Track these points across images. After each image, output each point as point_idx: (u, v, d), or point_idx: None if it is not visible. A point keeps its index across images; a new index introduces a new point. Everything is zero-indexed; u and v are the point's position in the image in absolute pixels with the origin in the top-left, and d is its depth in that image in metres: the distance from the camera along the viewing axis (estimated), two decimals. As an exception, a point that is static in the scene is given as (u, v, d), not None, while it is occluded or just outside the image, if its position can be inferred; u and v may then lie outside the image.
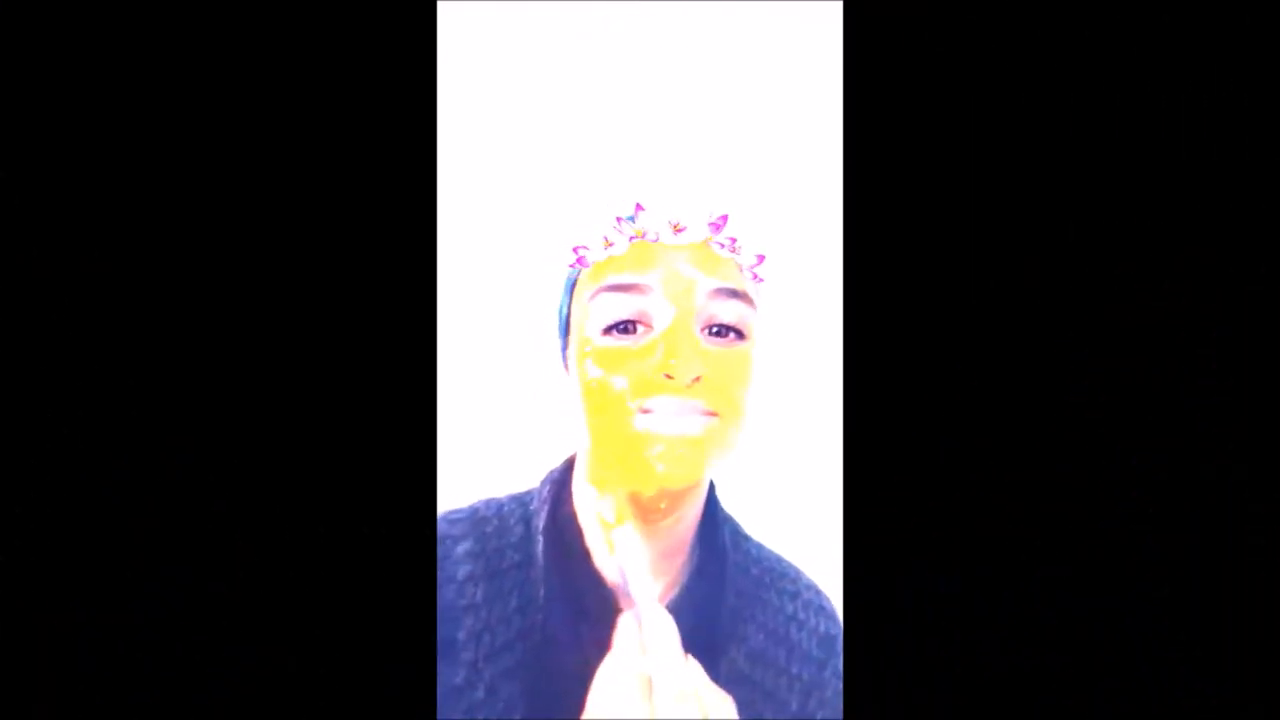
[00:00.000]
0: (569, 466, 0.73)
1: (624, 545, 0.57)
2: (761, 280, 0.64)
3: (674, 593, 0.66)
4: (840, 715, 0.60)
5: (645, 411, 0.59)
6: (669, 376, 0.58)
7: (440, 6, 0.55)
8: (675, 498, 0.61)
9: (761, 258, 0.64)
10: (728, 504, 0.73)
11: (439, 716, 0.62)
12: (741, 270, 0.63)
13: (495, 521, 0.71)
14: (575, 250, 0.65)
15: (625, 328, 0.61)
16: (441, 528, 0.72)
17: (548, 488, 0.71)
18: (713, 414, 0.59)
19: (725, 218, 0.63)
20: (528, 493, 0.74)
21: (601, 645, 0.64)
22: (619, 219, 0.63)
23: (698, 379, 0.58)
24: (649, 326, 0.61)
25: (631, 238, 0.62)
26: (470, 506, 0.74)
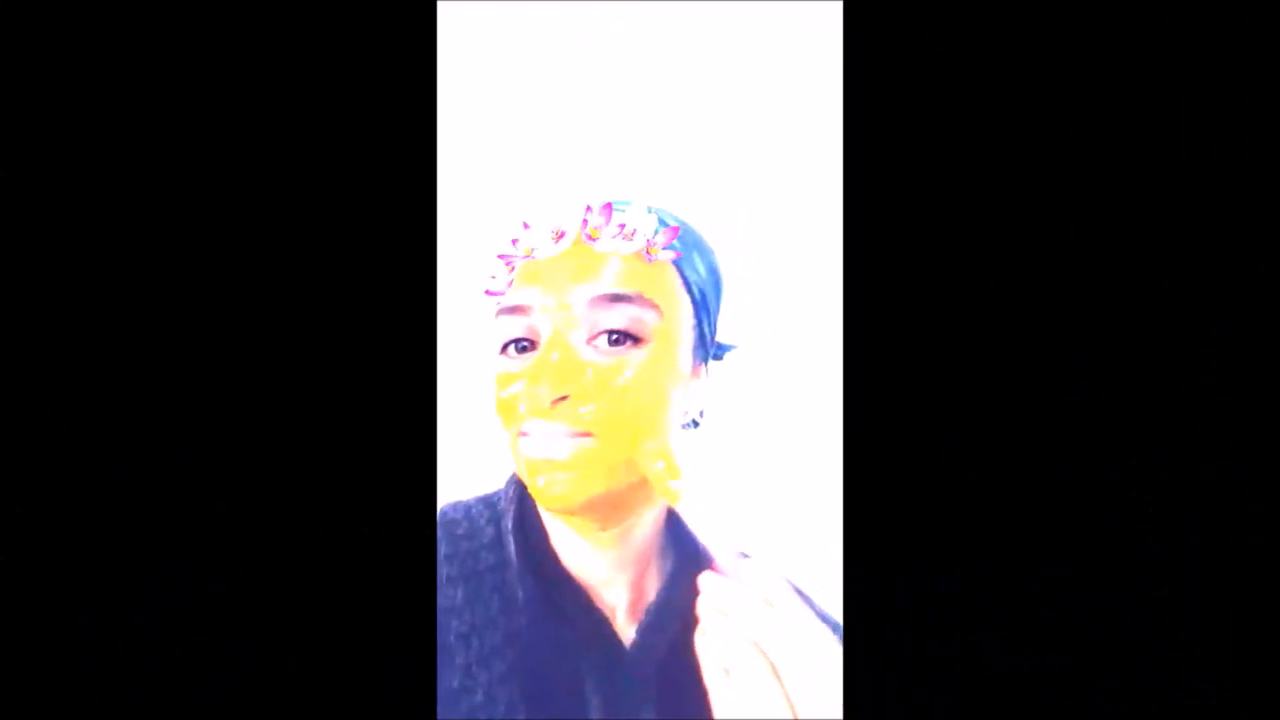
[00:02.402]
0: None
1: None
2: (677, 254, 0.60)
3: (650, 602, 0.66)
4: (840, 716, 0.60)
5: (523, 435, 0.58)
6: (532, 399, 0.56)
7: (440, 6, 0.55)
8: (605, 514, 0.60)
9: (674, 232, 0.59)
10: (727, 504, 0.73)
11: (439, 718, 0.62)
12: (644, 256, 0.59)
13: (465, 524, 0.70)
14: (491, 277, 0.63)
15: (523, 346, 0.59)
16: (442, 533, 0.71)
17: (513, 488, 0.71)
18: (584, 434, 0.57)
19: (608, 208, 0.59)
20: (494, 494, 0.73)
21: (586, 647, 0.64)
22: (513, 240, 0.61)
23: (562, 398, 0.55)
24: (538, 345, 0.59)
25: (523, 257, 0.60)
26: (440, 510, 0.73)
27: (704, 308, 0.63)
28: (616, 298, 0.57)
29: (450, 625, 0.64)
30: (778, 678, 0.45)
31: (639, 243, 0.59)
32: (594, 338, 0.57)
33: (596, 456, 0.57)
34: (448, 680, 0.63)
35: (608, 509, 0.60)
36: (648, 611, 0.65)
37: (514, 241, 0.61)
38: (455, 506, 0.73)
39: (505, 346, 0.59)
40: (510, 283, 0.62)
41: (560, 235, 0.59)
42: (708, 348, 0.65)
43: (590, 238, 0.58)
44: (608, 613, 0.67)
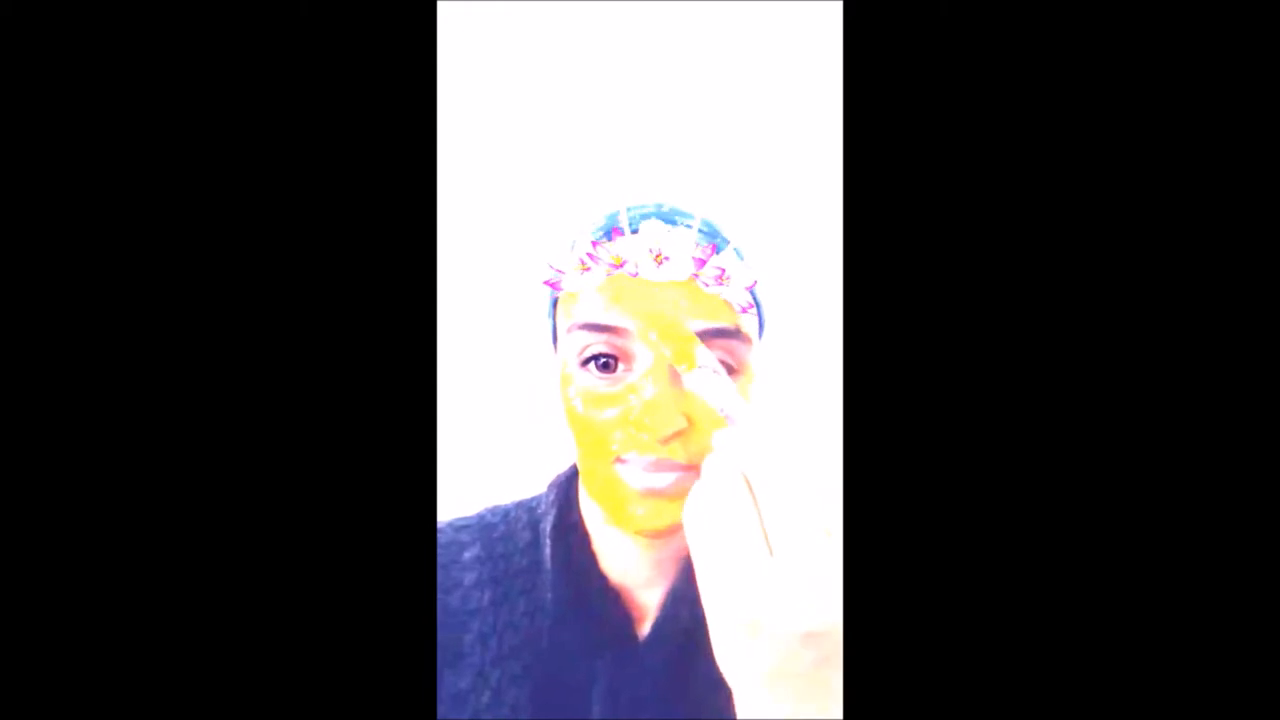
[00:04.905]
0: (575, 472, 0.73)
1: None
2: (754, 306, 0.62)
3: (674, 583, 0.67)
4: (840, 715, 0.61)
5: (621, 461, 0.58)
6: (643, 433, 0.56)
7: (440, 6, 0.55)
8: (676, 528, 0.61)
9: (754, 284, 0.60)
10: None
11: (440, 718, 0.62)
12: (733, 306, 0.59)
13: (502, 527, 0.71)
14: (552, 268, 0.62)
15: (606, 364, 0.59)
16: (448, 534, 0.72)
17: (554, 492, 0.72)
18: (689, 468, 0.57)
19: (714, 248, 0.59)
20: (534, 498, 0.74)
21: (604, 647, 0.65)
22: (594, 242, 0.59)
23: (678, 434, 0.56)
24: (628, 366, 0.59)
25: (611, 265, 0.59)
26: (477, 514, 0.74)
27: (762, 326, 0.65)
28: (722, 331, 0.58)
29: (472, 627, 0.65)
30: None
31: (737, 292, 0.59)
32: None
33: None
34: (459, 682, 0.63)
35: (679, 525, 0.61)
36: (661, 607, 0.66)
37: (595, 243, 0.60)
38: (495, 510, 0.74)
39: (586, 362, 0.59)
40: (580, 283, 0.60)
41: (664, 259, 0.58)
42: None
43: (696, 275, 0.58)
44: (637, 613, 0.68)
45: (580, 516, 0.69)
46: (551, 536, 0.67)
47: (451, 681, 0.62)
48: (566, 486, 0.71)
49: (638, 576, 0.67)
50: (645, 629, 0.66)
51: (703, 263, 0.58)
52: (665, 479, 0.57)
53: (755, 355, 0.61)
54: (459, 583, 0.67)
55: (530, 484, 0.75)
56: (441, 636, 0.64)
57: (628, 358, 0.58)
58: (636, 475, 0.57)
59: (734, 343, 0.59)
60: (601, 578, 0.67)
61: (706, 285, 0.58)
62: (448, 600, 0.66)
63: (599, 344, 0.58)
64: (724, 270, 0.59)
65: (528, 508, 0.73)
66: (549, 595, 0.65)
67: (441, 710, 0.61)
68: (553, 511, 0.69)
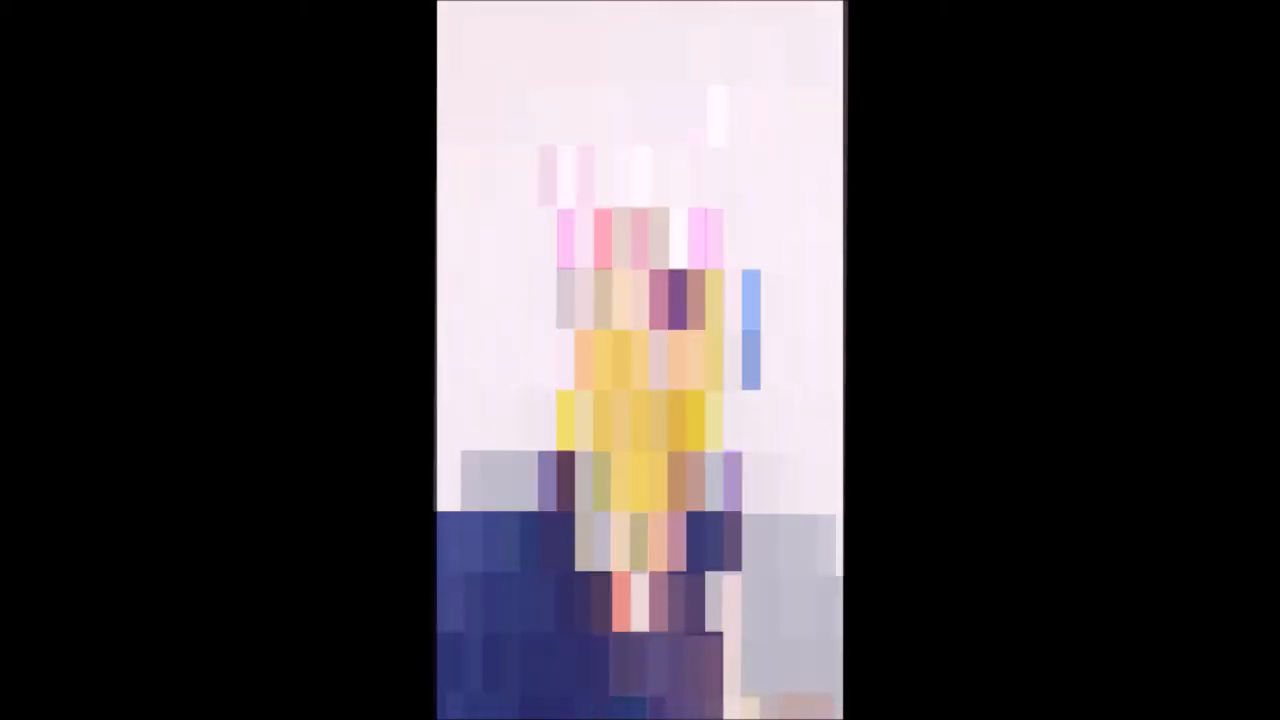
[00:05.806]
0: (570, 464, 0.73)
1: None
2: (731, 247, 0.63)
3: (668, 579, 0.67)
4: (840, 714, 0.61)
5: (605, 434, 0.59)
6: (616, 384, 0.58)
7: (440, 6, 0.55)
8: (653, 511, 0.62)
9: (720, 213, 0.63)
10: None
11: (441, 716, 0.62)
12: (703, 246, 0.62)
13: (498, 526, 0.71)
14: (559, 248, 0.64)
15: (585, 330, 0.61)
16: (441, 528, 0.72)
17: (551, 489, 0.72)
18: (659, 434, 0.58)
19: (641, 215, 0.62)
20: (528, 494, 0.74)
21: (596, 644, 0.65)
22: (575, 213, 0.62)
23: (646, 388, 0.57)
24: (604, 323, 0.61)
25: (593, 233, 0.61)
26: (472, 509, 0.75)
27: (754, 298, 0.65)
28: (683, 274, 0.60)
29: (466, 625, 0.65)
30: None
31: (704, 237, 0.61)
32: (659, 320, 0.60)
33: (666, 459, 0.59)
34: (454, 680, 0.63)
35: (657, 506, 0.61)
36: (653, 600, 0.66)
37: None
38: (489, 504, 0.74)
39: (575, 342, 0.61)
40: (575, 255, 0.63)
41: (635, 217, 0.60)
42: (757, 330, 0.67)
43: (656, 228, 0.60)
44: (629, 610, 0.68)
45: (574, 510, 0.69)
46: (544, 534, 0.67)
47: (448, 677, 0.63)
48: (561, 481, 0.71)
49: (631, 568, 0.67)
50: (638, 624, 0.66)
51: (669, 215, 0.60)
52: (646, 449, 0.58)
53: (713, 305, 0.63)
54: (453, 578, 0.67)
55: (527, 479, 0.75)
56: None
57: (606, 319, 0.60)
58: (617, 447, 0.58)
59: (693, 284, 0.61)
60: (592, 574, 0.67)
61: (674, 236, 0.60)
62: (442, 595, 0.66)
63: (583, 307, 0.60)
64: (701, 227, 0.61)
65: (522, 504, 0.73)
66: (540, 594, 0.65)
67: (442, 706, 0.61)
68: (547, 509, 0.70)
